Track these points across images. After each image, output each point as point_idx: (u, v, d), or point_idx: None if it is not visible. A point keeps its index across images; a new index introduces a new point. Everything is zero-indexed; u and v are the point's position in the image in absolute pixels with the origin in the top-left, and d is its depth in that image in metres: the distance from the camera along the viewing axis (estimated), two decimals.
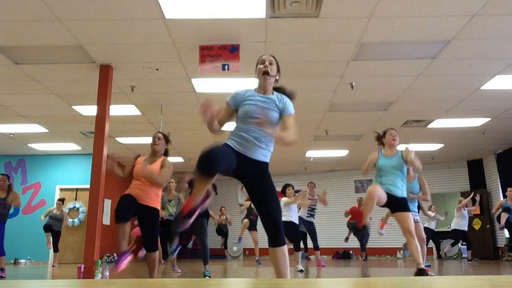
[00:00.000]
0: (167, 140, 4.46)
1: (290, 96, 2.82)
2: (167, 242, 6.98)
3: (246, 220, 9.79)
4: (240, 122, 2.68)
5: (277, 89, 2.81)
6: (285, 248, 2.61)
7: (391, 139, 4.74)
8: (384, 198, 4.50)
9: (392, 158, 4.67)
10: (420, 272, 4.39)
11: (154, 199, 4.24)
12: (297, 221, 6.93)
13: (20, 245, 9.93)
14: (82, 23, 4.55)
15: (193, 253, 13.51)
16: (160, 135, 4.42)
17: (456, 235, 9.91)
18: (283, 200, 6.84)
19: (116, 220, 4.05)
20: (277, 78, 2.78)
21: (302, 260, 7.36)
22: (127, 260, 4.17)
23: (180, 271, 6.90)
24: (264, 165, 2.68)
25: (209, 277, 5.75)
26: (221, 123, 2.74)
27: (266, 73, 2.69)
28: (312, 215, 7.96)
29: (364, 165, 4.76)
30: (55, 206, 9.59)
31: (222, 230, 11.91)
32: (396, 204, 4.53)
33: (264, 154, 2.66)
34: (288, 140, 2.59)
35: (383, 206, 4.61)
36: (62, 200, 9.69)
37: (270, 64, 2.72)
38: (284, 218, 6.78)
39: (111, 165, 4.25)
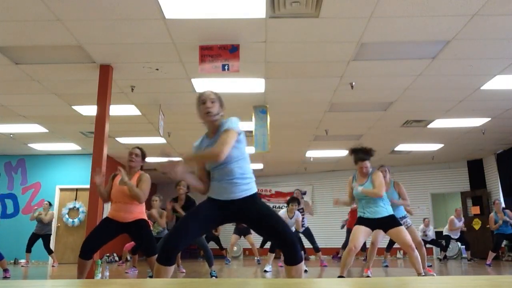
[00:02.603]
0: (144, 156, 4.35)
1: None
2: None
3: (234, 236, 9.73)
4: (210, 172, 2.66)
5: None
6: (301, 265, 2.53)
7: (360, 171, 4.69)
8: (367, 235, 4.53)
9: (364, 186, 4.62)
10: None
11: (139, 214, 4.18)
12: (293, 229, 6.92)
13: (20, 245, 9.92)
14: (82, 23, 4.55)
15: (194, 254, 13.54)
16: (137, 151, 4.31)
17: (448, 240, 10.09)
18: (281, 214, 6.92)
19: (80, 255, 3.98)
20: (221, 114, 2.69)
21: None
22: None
23: (184, 271, 6.91)
24: (250, 198, 2.60)
25: (216, 277, 5.76)
26: (202, 179, 2.70)
27: (209, 113, 2.61)
28: (302, 224, 8.00)
29: (347, 197, 4.83)
30: (42, 208, 9.50)
31: (214, 236, 11.59)
32: (385, 223, 4.50)
33: (243, 188, 2.58)
34: (211, 154, 2.47)
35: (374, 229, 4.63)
36: (49, 203, 9.65)
37: (212, 102, 2.63)
38: None
39: (100, 182, 4.15)
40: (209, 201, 2.64)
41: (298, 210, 7.85)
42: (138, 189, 4.06)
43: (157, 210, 6.98)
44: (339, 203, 4.75)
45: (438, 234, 11.13)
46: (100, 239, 4.04)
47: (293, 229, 7.00)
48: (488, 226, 11.17)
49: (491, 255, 8.29)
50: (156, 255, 4.14)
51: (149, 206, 6.90)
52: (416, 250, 4.48)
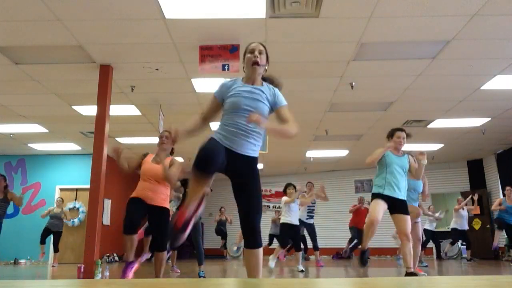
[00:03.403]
0: (174, 139, 4.47)
1: (279, 85, 2.73)
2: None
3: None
4: (227, 114, 2.55)
5: (265, 79, 2.71)
6: (260, 251, 2.48)
7: (398, 143, 4.67)
8: (384, 210, 4.53)
9: (401, 158, 4.66)
10: (410, 275, 4.38)
11: (164, 199, 4.27)
12: (297, 222, 6.93)
13: (20, 245, 9.93)
14: (82, 23, 4.55)
15: (193, 254, 13.53)
16: (167, 133, 4.41)
17: (456, 234, 9.97)
18: (283, 199, 6.88)
19: (124, 232, 4.05)
20: (266, 68, 2.68)
21: (301, 260, 7.37)
22: (133, 269, 4.23)
23: (179, 271, 6.90)
24: (253, 160, 2.55)
25: (204, 277, 5.76)
26: (208, 118, 2.68)
27: (255, 63, 2.59)
28: (311, 217, 8.03)
29: (372, 156, 4.62)
30: (55, 205, 9.61)
31: (222, 231, 11.82)
32: (396, 206, 4.52)
33: (252, 148, 2.53)
34: (291, 133, 2.49)
35: None
36: (62, 199, 9.78)
37: (260, 53, 2.61)
38: (283, 220, 6.84)
39: (117, 155, 4.18)
40: (218, 143, 2.49)
41: (312, 203, 7.90)
42: (170, 173, 4.16)
43: (174, 194, 7.07)
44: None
45: (439, 234, 11.12)
46: (137, 212, 4.11)
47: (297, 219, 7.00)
48: (488, 226, 11.20)
49: (497, 234, 8.35)
50: (163, 253, 4.22)
51: None
52: (410, 241, 4.50)
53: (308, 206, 7.81)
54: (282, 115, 2.59)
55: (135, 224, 4.08)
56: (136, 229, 4.10)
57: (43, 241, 9.25)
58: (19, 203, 6.69)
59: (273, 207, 13.40)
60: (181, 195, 6.90)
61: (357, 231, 10.16)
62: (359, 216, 10.14)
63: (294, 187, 6.99)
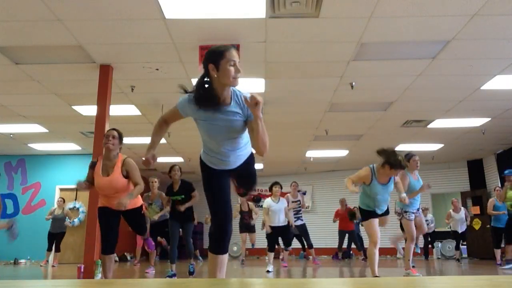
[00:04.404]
0: (121, 139, 4.07)
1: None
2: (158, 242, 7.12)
3: (243, 235, 9.61)
4: (205, 138, 2.47)
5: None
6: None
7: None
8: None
9: (386, 186, 4.80)
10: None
11: (134, 202, 4.12)
12: (281, 223, 6.95)
13: (20, 245, 9.92)
14: (82, 23, 4.56)
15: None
16: (115, 133, 4.00)
17: (455, 236, 10.02)
18: (265, 201, 6.97)
19: (102, 253, 4.03)
20: None
21: (301, 260, 7.37)
22: None
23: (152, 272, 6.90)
24: (247, 158, 2.63)
25: (193, 271, 5.91)
26: (169, 123, 2.54)
27: (236, 79, 2.26)
28: (299, 218, 8.02)
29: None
30: (55, 205, 9.61)
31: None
32: (382, 213, 4.89)
33: (244, 155, 2.57)
34: (266, 142, 2.32)
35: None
36: (63, 199, 9.78)
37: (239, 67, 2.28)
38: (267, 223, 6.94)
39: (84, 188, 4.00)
40: (210, 168, 2.57)
41: (296, 202, 7.90)
42: (136, 188, 3.93)
43: (157, 192, 7.09)
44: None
45: (439, 234, 11.14)
46: (111, 229, 4.05)
47: (284, 219, 7.03)
48: (488, 226, 11.18)
49: (497, 252, 8.26)
50: (146, 234, 4.33)
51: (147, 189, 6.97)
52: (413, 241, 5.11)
53: (293, 208, 7.82)
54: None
55: (112, 243, 4.03)
56: (114, 248, 4.05)
57: (50, 248, 9.24)
58: None
59: None
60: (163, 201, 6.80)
61: (349, 233, 10.25)
62: (346, 220, 10.19)
63: (281, 186, 7.07)
